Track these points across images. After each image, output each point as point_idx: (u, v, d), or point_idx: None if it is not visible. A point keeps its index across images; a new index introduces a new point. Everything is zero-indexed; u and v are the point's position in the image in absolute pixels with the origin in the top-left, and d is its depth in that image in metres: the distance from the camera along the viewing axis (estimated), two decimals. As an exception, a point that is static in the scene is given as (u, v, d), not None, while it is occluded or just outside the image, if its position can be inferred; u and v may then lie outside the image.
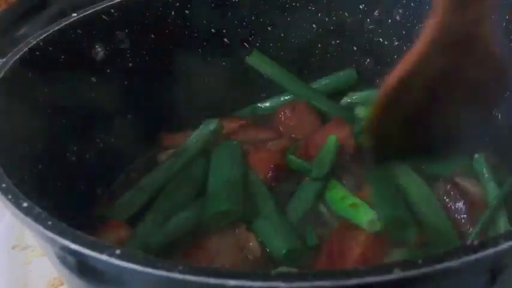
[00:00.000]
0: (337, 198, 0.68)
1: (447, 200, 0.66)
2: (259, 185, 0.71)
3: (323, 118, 0.83)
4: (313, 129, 0.80)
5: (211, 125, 0.79)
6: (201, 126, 0.80)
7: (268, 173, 0.72)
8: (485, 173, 0.68)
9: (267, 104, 0.89)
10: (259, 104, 0.89)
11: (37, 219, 0.43)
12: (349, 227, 0.64)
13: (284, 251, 0.62)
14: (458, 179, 0.68)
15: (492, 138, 0.78)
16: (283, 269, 0.60)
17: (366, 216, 0.63)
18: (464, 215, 0.64)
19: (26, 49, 0.65)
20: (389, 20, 0.84)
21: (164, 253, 0.63)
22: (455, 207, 0.65)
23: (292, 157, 0.74)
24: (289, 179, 0.73)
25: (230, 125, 0.83)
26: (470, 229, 0.63)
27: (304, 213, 0.68)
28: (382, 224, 0.62)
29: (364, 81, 0.89)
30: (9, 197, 0.46)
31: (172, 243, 0.64)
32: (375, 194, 0.67)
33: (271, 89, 0.90)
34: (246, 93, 0.89)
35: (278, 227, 0.65)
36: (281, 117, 0.83)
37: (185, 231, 0.65)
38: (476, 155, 0.70)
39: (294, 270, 0.60)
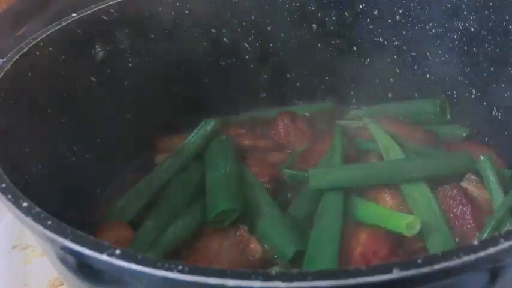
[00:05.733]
0: (365, 209, 0.66)
1: (453, 204, 0.66)
2: (259, 186, 0.71)
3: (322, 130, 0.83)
4: (312, 141, 0.80)
5: (208, 125, 0.79)
6: (198, 127, 0.80)
7: (267, 186, 0.72)
8: (491, 176, 0.67)
9: (268, 112, 0.87)
10: (259, 110, 0.89)
11: (37, 219, 0.43)
12: (350, 227, 0.64)
13: (291, 253, 0.62)
14: (463, 183, 0.68)
15: (493, 139, 0.78)
16: (282, 269, 0.60)
17: (404, 220, 0.62)
18: (470, 220, 0.64)
19: (26, 49, 0.65)
20: (390, 20, 0.84)
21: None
22: (460, 212, 0.65)
23: (286, 170, 0.73)
24: (287, 190, 0.72)
25: (228, 132, 0.82)
26: (476, 233, 0.63)
27: (305, 214, 0.68)
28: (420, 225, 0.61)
29: (365, 81, 0.89)
30: (9, 197, 0.46)
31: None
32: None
33: (271, 89, 0.90)
34: (246, 94, 0.89)
35: (283, 229, 0.65)
36: (280, 126, 0.82)
37: (186, 238, 0.65)
38: (481, 158, 0.69)
39: (293, 270, 0.59)
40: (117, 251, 0.39)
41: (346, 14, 0.86)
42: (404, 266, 0.36)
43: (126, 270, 0.38)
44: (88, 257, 0.40)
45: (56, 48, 0.69)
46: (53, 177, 0.62)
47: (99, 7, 0.75)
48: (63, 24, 0.71)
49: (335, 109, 0.90)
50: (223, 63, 0.87)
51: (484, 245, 0.37)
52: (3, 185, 0.47)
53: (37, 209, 0.44)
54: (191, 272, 0.36)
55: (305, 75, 0.90)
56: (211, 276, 0.36)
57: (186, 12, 0.82)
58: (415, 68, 0.85)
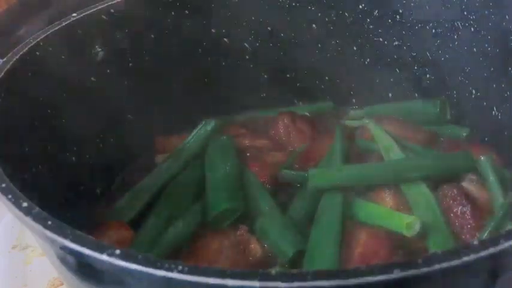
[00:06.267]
0: (365, 209, 0.66)
1: (453, 204, 0.66)
2: (259, 186, 0.71)
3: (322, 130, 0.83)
4: (312, 141, 0.80)
5: (208, 125, 0.79)
6: (198, 127, 0.80)
7: (267, 186, 0.72)
8: (491, 176, 0.67)
9: (268, 112, 0.87)
10: (259, 110, 0.89)
11: (37, 219, 0.43)
12: (350, 227, 0.64)
13: (291, 253, 0.61)
14: (464, 183, 0.68)
15: (493, 139, 0.78)
16: (282, 269, 0.60)
17: (404, 220, 0.62)
18: (470, 220, 0.64)
19: (26, 49, 0.65)
20: (390, 20, 0.84)
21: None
22: (460, 212, 0.65)
23: (286, 170, 0.73)
24: (287, 190, 0.72)
25: (228, 132, 0.82)
26: (476, 233, 0.63)
27: (305, 214, 0.68)
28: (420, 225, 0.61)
29: (365, 81, 0.89)
30: (9, 197, 0.46)
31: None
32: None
33: (271, 89, 0.90)
34: (246, 94, 0.89)
35: (283, 229, 0.65)
36: (280, 126, 0.82)
37: (186, 238, 0.65)
38: (481, 158, 0.69)
39: (293, 270, 0.59)
40: (117, 251, 0.39)
41: (346, 14, 0.86)
42: (404, 266, 0.36)
43: (126, 270, 0.38)
44: (88, 257, 0.39)
45: (56, 48, 0.69)
46: (52, 177, 0.62)
47: (99, 7, 0.75)
48: (63, 24, 0.71)
49: (335, 109, 0.90)
50: (223, 63, 0.87)
51: (484, 245, 0.37)
52: (3, 185, 0.47)
53: (37, 209, 0.44)
54: (191, 272, 0.36)
55: (305, 75, 0.90)
56: (211, 276, 0.36)
57: (186, 12, 0.82)
58: (415, 68, 0.85)
